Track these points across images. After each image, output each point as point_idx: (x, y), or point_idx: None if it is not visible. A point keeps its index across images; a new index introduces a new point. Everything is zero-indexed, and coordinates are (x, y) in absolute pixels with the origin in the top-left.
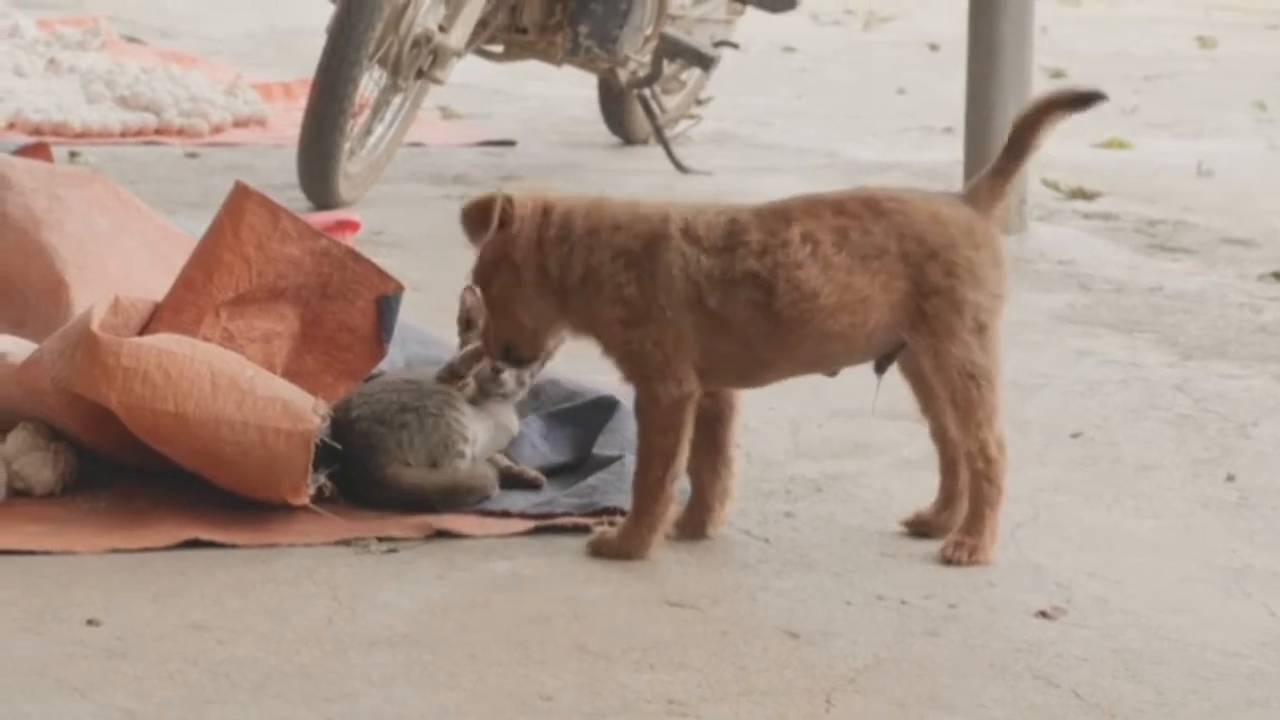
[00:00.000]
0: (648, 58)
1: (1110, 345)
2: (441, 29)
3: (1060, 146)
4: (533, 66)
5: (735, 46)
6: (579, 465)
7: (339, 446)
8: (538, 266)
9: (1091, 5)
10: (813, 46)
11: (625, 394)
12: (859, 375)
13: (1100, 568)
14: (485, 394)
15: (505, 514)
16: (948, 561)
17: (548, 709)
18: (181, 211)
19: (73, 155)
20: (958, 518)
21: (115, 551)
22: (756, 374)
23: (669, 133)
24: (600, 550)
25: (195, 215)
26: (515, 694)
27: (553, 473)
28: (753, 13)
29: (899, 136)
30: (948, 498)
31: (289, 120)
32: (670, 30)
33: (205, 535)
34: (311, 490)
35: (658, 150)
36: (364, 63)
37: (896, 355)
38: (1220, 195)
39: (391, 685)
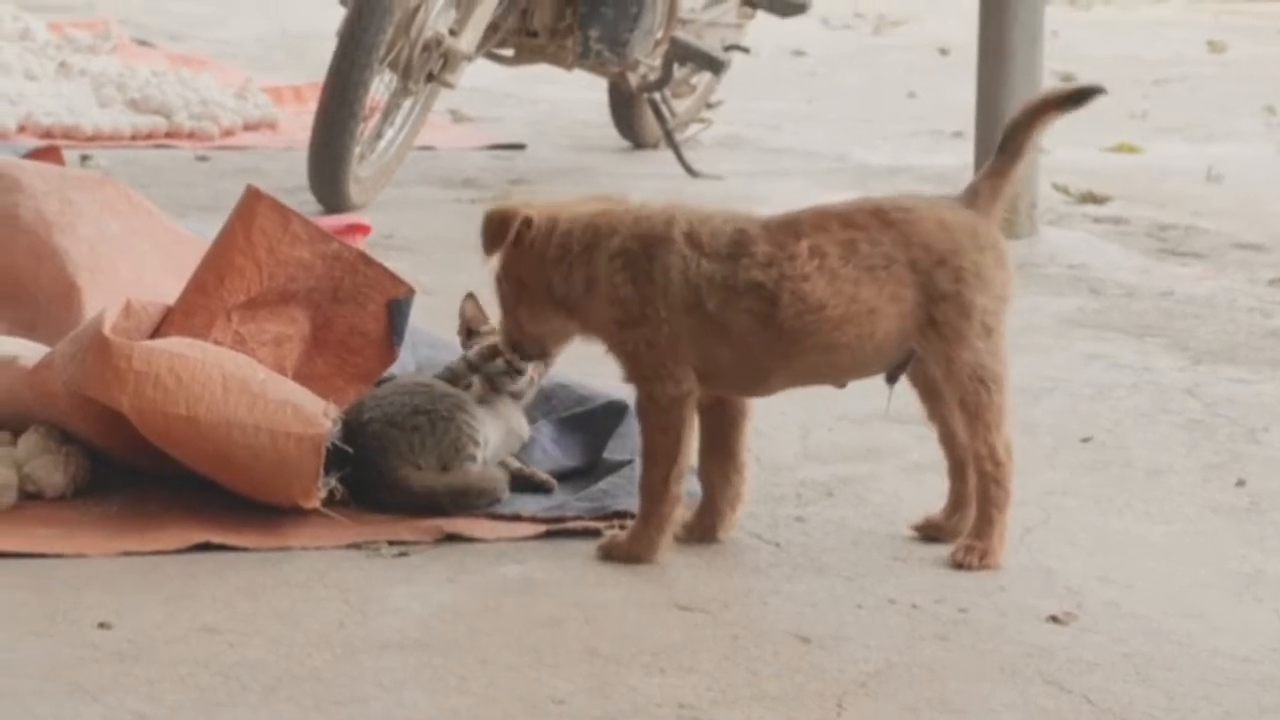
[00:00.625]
0: (658, 62)
1: (1121, 349)
2: (452, 33)
3: (1070, 150)
4: (543, 70)
5: (745, 50)
6: (590, 469)
7: (350, 450)
8: (544, 283)
9: (1101, 9)
10: (823, 50)
11: (631, 395)
12: (867, 380)
13: (1111, 572)
14: (495, 391)
15: (516, 518)
16: (958, 566)
17: (558, 713)
18: (192, 215)
19: (84, 159)
20: (967, 522)
21: (126, 554)
22: (758, 382)
23: (679, 136)
24: (610, 554)
25: (206, 218)
26: (526, 698)
27: (564, 477)
28: (763, 17)
29: (909, 140)
30: (957, 502)
31: (299, 124)
32: (680, 34)
33: (216, 538)
34: (322, 494)
35: (668, 154)
36: (374, 66)
37: (908, 365)
38: (1230, 199)
39: (402, 689)
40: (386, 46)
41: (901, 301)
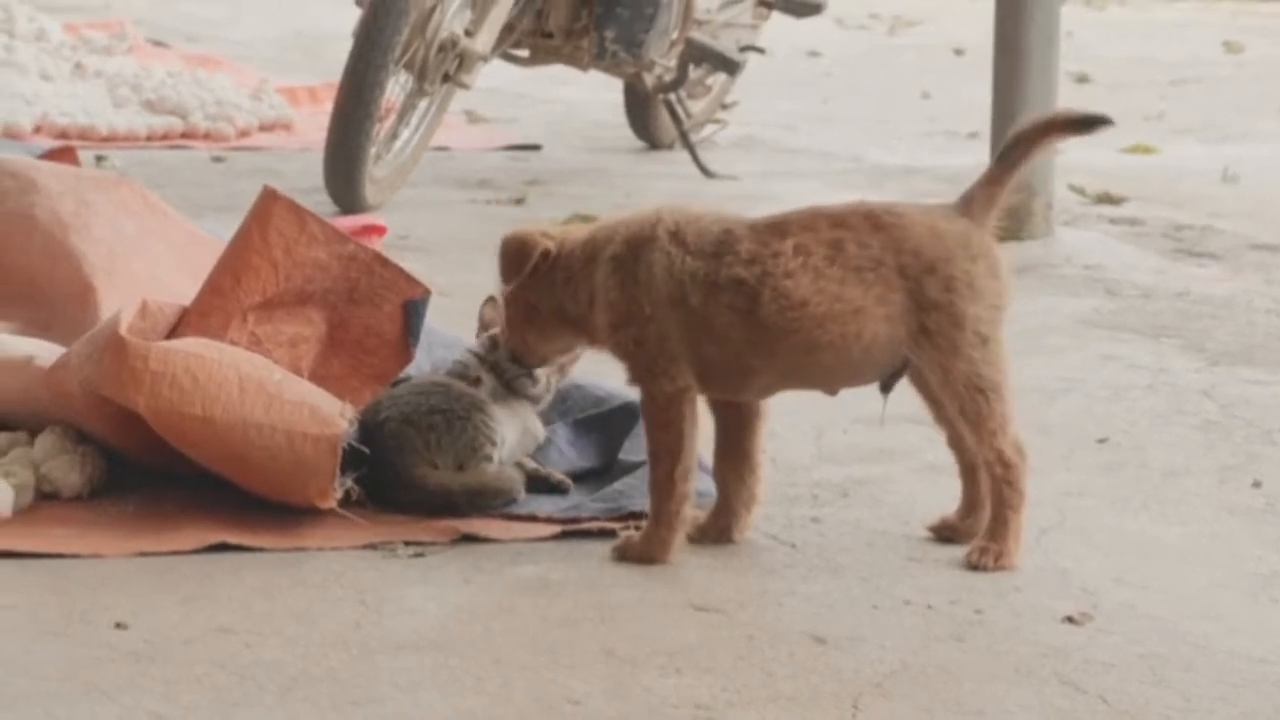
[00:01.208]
0: (673, 62)
1: (1137, 350)
2: (468, 33)
3: (1086, 151)
4: (558, 71)
5: (761, 51)
6: (605, 470)
7: (366, 450)
8: (555, 306)
9: (1117, 9)
10: (838, 51)
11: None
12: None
13: (1127, 573)
14: (512, 391)
15: (532, 518)
16: (973, 567)
17: (574, 713)
18: (207, 215)
19: (99, 159)
20: (982, 523)
21: (143, 555)
22: (744, 381)
23: (694, 137)
24: (624, 555)
25: (221, 219)
26: (542, 698)
27: (579, 478)
28: (778, 17)
29: (924, 141)
30: (971, 503)
31: (315, 124)
32: (696, 35)
33: (233, 539)
34: (339, 494)
35: (683, 155)
36: (390, 67)
37: (902, 374)
38: (1247, 200)
39: (418, 689)
40: (402, 47)
41: (889, 304)
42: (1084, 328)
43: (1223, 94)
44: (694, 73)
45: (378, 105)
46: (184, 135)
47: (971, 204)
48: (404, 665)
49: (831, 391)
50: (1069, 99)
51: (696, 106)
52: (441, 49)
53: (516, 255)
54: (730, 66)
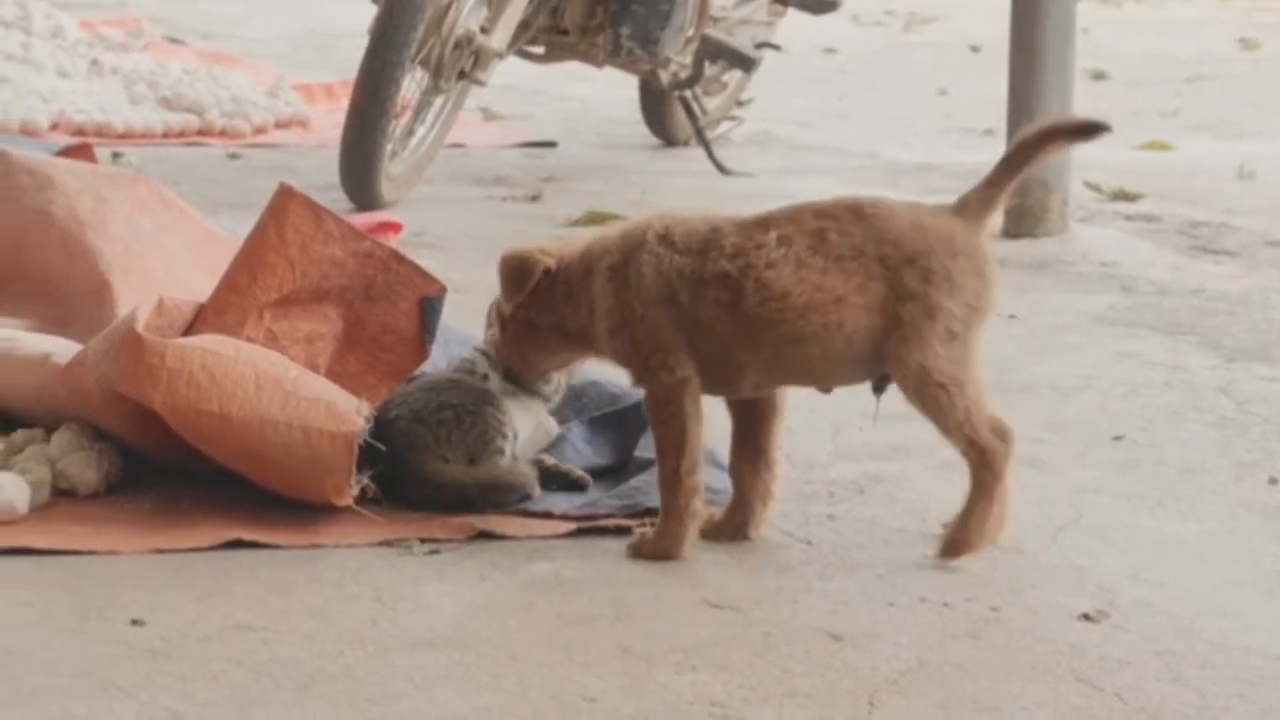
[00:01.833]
0: (689, 59)
1: (1152, 347)
2: (483, 30)
3: (1101, 148)
4: (574, 68)
5: (777, 48)
6: (621, 468)
7: (382, 447)
8: (556, 322)
9: (1133, 6)
10: (854, 48)
11: None
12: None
13: (1143, 571)
14: (522, 388)
15: (548, 515)
16: (941, 556)
17: (590, 710)
18: (223, 212)
19: (115, 156)
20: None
21: (159, 552)
22: (734, 376)
23: (710, 134)
24: (639, 552)
25: (237, 216)
26: (558, 695)
27: (595, 475)
28: (794, 14)
29: (940, 138)
30: None
31: (330, 121)
32: (712, 32)
33: (249, 536)
34: (355, 491)
35: (699, 152)
36: (406, 64)
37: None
38: (1262, 197)
39: (434, 686)
40: (418, 44)
41: (869, 294)
42: (1099, 325)
43: (1239, 90)
44: (709, 70)
45: (393, 102)
46: (200, 132)
47: (967, 205)
48: (420, 662)
49: (824, 388)
50: (1085, 95)
51: (712, 103)
52: (457, 46)
53: (518, 274)
54: (746, 63)
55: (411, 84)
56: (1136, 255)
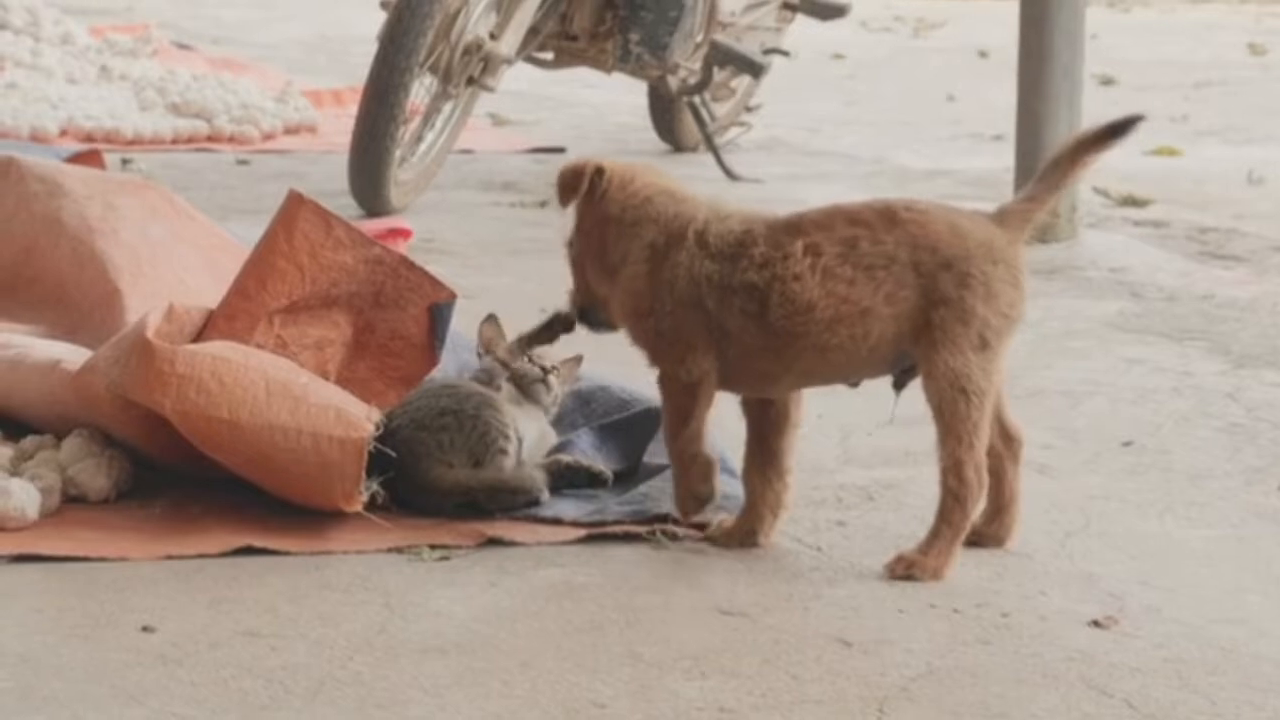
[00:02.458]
0: (698, 65)
1: (1162, 353)
2: (492, 36)
3: (1111, 153)
4: (583, 74)
5: (785, 54)
6: (630, 474)
7: (391, 453)
8: (598, 240)
9: (1142, 12)
10: (862, 53)
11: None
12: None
13: (1153, 577)
14: (524, 394)
15: (557, 521)
16: (891, 574)
17: (600, 716)
18: (233, 218)
19: (125, 162)
20: (1007, 526)
21: (169, 558)
22: (766, 382)
23: (719, 140)
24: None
25: (247, 222)
26: (567, 702)
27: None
28: (802, 20)
29: (949, 144)
30: (996, 508)
31: (339, 127)
32: (720, 37)
33: (259, 542)
34: (364, 497)
35: (707, 157)
36: (415, 70)
37: (915, 373)
38: (1271, 203)
39: (444, 693)
40: (427, 50)
41: (898, 303)
42: (1109, 330)
43: (1247, 96)
44: (718, 75)
45: (402, 108)
46: (209, 138)
47: (1006, 215)
48: (429, 669)
49: (853, 384)
50: (1093, 101)
51: (721, 109)
52: (466, 52)
53: (572, 176)
54: (754, 69)
55: (420, 90)
56: (1145, 261)
